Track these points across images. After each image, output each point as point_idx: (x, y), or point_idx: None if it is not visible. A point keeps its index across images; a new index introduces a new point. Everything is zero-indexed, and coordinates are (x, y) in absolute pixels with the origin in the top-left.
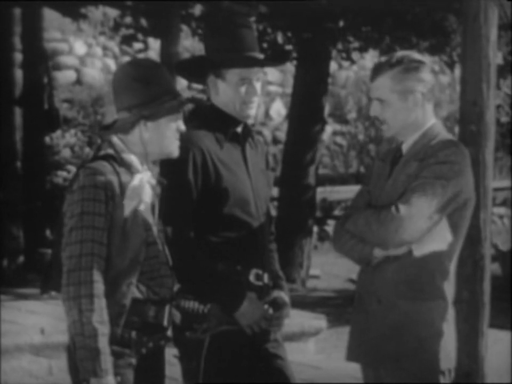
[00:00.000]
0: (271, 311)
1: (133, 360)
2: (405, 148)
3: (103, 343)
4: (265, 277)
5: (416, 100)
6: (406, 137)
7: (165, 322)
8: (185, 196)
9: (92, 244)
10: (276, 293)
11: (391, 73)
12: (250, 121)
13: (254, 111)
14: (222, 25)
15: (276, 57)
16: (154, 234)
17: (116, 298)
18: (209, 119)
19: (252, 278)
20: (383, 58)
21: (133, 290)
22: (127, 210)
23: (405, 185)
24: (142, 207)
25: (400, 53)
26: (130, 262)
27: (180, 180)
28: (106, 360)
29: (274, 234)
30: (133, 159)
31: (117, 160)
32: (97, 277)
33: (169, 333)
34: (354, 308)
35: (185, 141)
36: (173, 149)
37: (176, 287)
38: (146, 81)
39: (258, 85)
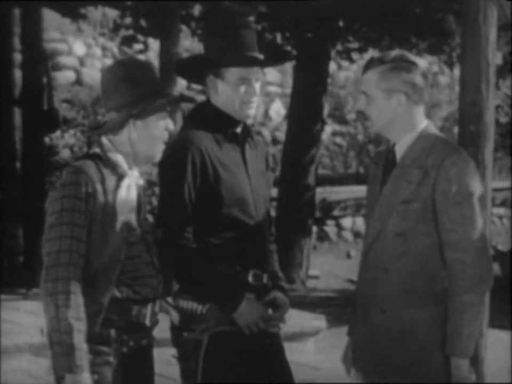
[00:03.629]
0: (270, 311)
1: (111, 359)
2: (399, 150)
3: (79, 339)
4: (264, 278)
5: (399, 100)
6: (395, 137)
7: (147, 322)
8: (184, 196)
9: (70, 240)
10: (275, 294)
11: (380, 69)
12: (249, 122)
13: (253, 111)
14: (222, 25)
15: (275, 57)
16: (137, 234)
17: (94, 296)
18: (209, 119)
19: (250, 278)
20: (379, 54)
21: (112, 289)
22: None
23: (405, 192)
24: (124, 207)
25: (395, 52)
26: (110, 260)
27: (179, 180)
28: (82, 357)
29: (274, 235)
30: (119, 158)
31: (102, 159)
32: (75, 274)
33: (153, 332)
34: (356, 318)
35: (184, 141)
36: (157, 151)
37: (176, 287)
38: (133, 80)
39: (257, 85)
